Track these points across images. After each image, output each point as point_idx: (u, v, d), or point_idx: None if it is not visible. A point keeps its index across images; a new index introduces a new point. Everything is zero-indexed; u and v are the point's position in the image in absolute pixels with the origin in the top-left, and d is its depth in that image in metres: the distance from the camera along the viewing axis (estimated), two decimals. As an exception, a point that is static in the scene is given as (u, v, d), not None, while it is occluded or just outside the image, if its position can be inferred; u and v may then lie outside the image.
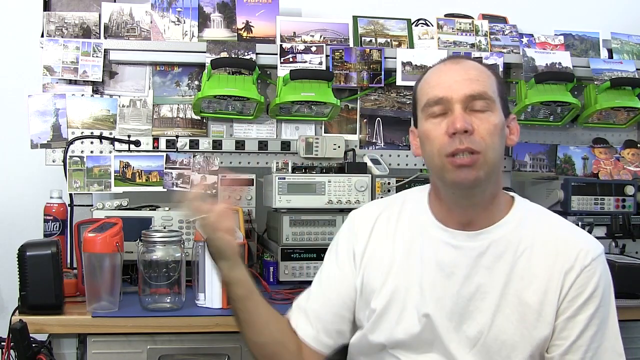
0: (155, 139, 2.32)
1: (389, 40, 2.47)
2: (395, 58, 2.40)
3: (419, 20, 2.54)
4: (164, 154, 2.31)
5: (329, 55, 2.37)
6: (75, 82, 2.28)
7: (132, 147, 2.30)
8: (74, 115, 2.28)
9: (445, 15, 2.55)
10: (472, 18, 2.57)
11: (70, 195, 2.24)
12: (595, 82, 2.46)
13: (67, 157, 2.24)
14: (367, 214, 1.43)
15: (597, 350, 1.23)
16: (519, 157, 2.57)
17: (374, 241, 1.38)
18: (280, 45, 2.35)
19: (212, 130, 2.40)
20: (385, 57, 2.40)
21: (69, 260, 2.16)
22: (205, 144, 2.35)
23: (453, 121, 1.22)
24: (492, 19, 2.59)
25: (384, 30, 2.48)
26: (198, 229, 1.29)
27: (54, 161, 2.27)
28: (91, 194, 2.29)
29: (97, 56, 2.25)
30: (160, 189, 2.29)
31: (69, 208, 2.18)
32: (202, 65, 2.30)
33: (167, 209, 2.15)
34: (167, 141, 2.33)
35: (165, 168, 2.30)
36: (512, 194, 1.37)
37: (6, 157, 2.45)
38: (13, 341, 1.62)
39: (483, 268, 1.26)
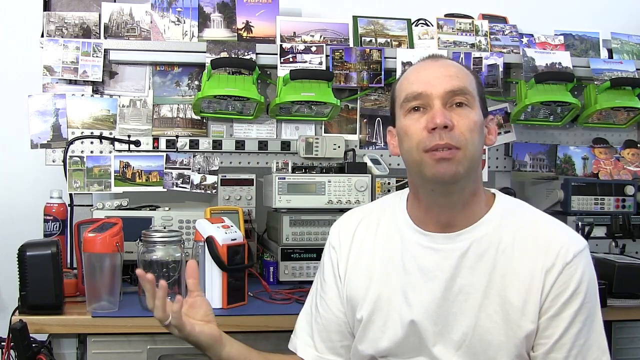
0: (155, 139, 2.32)
1: (389, 40, 2.47)
2: (395, 58, 2.40)
3: (419, 20, 2.54)
4: (164, 154, 2.31)
5: (329, 55, 2.37)
6: (75, 82, 2.28)
7: (132, 147, 2.30)
8: (74, 115, 2.28)
9: (445, 15, 2.55)
10: (472, 18, 2.57)
11: (70, 195, 2.24)
12: (595, 82, 2.47)
13: (67, 157, 2.24)
14: (346, 224, 1.42)
15: (582, 347, 1.21)
16: (519, 157, 2.57)
17: (355, 251, 1.37)
18: (280, 45, 2.35)
19: (212, 130, 2.40)
20: (385, 57, 2.40)
21: (69, 260, 2.16)
22: (205, 144, 2.35)
23: (433, 116, 1.20)
24: (492, 19, 2.59)
25: (384, 30, 2.48)
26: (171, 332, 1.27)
27: (54, 161, 2.27)
28: (91, 194, 2.29)
29: (97, 56, 2.25)
30: (160, 189, 2.30)
31: (69, 208, 2.18)
32: (202, 65, 2.30)
33: (167, 209, 2.15)
34: (167, 141, 2.33)
35: (165, 168, 2.30)
36: (493, 190, 1.35)
37: (6, 157, 2.45)
38: (13, 341, 1.62)
39: (465, 269, 1.25)
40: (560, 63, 2.48)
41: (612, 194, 2.40)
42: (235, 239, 1.83)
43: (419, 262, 1.28)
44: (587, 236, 2.27)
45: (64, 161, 2.25)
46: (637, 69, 2.53)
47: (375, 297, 1.31)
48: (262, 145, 2.39)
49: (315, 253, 2.12)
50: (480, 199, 1.29)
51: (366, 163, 2.33)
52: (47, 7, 2.30)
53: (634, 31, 2.68)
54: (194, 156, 2.33)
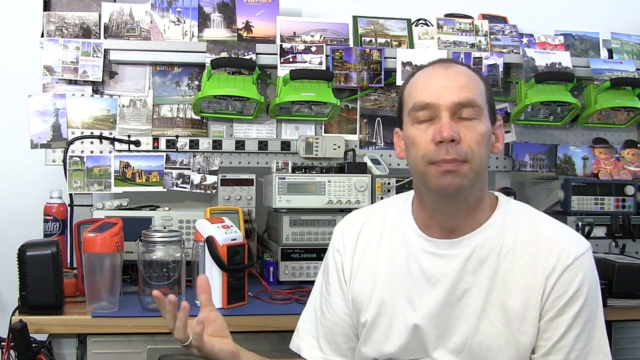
0: (155, 139, 2.32)
1: (389, 40, 2.47)
2: (395, 58, 2.40)
3: (419, 20, 2.54)
4: (164, 154, 2.31)
5: (329, 55, 2.37)
6: (75, 82, 2.28)
7: (132, 147, 2.30)
8: (74, 115, 2.28)
9: (445, 15, 2.55)
10: (472, 18, 2.57)
11: (70, 195, 2.24)
12: (595, 82, 2.46)
13: (67, 157, 2.24)
14: (350, 226, 1.41)
15: (582, 351, 1.20)
16: (519, 157, 2.57)
17: (359, 254, 1.36)
18: (280, 45, 2.35)
19: (212, 130, 2.40)
20: (385, 57, 2.40)
21: (69, 260, 2.16)
22: (205, 144, 2.35)
23: (440, 129, 1.19)
24: (492, 19, 2.59)
25: (384, 30, 2.48)
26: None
27: (54, 161, 2.27)
28: (91, 194, 2.29)
29: (97, 56, 2.25)
30: (160, 189, 2.29)
31: (69, 208, 2.18)
32: (202, 65, 2.30)
33: (167, 209, 2.15)
34: (167, 141, 2.33)
35: (165, 168, 2.30)
36: (496, 193, 1.34)
37: (6, 157, 2.45)
38: (13, 341, 1.62)
39: (468, 274, 1.25)
40: (560, 63, 2.48)
41: (612, 194, 2.40)
42: (235, 239, 1.83)
43: (423, 267, 1.28)
44: (587, 236, 2.27)
45: (64, 161, 2.25)
46: (637, 69, 2.53)
47: (379, 301, 1.31)
48: (262, 145, 2.39)
49: (315, 253, 2.12)
50: (484, 205, 1.29)
51: (366, 163, 2.33)
52: (47, 7, 2.30)
53: (634, 31, 2.68)
54: (194, 156, 2.33)
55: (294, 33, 2.41)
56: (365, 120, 2.51)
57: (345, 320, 1.37)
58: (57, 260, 1.72)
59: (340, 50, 2.38)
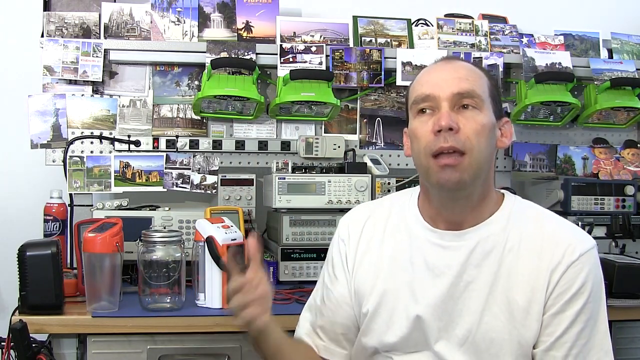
0: (155, 139, 2.32)
1: (389, 40, 2.47)
2: (395, 58, 2.40)
3: (419, 20, 2.54)
4: (164, 154, 2.31)
5: (329, 55, 2.37)
6: (75, 82, 2.28)
7: (132, 147, 2.30)
8: (74, 115, 2.28)
9: (445, 15, 2.55)
10: (472, 18, 2.57)
11: (70, 195, 2.24)
12: (595, 82, 2.46)
13: (67, 157, 2.24)
14: (355, 218, 1.43)
15: (584, 347, 1.21)
16: (519, 157, 2.57)
17: (363, 245, 1.38)
18: (280, 45, 2.35)
19: (212, 130, 2.40)
20: (385, 57, 2.40)
21: (69, 260, 2.16)
22: (205, 144, 2.35)
23: (439, 118, 1.21)
24: (492, 19, 2.59)
25: (384, 30, 2.48)
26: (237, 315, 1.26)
27: (54, 161, 2.27)
28: (91, 194, 2.29)
29: (97, 56, 2.25)
30: (160, 189, 2.29)
31: (69, 208, 2.18)
32: (202, 65, 2.30)
33: (167, 209, 2.15)
34: (167, 141, 2.33)
35: (165, 168, 2.30)
36: (503, 191, 1.36)
37: (6, 157, 2.45)
38: (13, 341, 1.62)
39: (471, 266, 1.26)
40: (560, 63, 2.48)
41: (612, 194, 2.40)
42: (235, 239, 1.83)
43: (427, 259, 1.29)
44: (587, 236, 2.27)
45: (64, 161, 2.25)
46: (637, 69, 2.53)
47: (381, 291, 1.32)
48: (262, 145, 2.39)
49: (315, 253, 2.12)
50: (490, 201, 1.30)
51: (366, 163, 2.33)
52: (47, 7, 2.30)
53: (634, 31, 2.68)
54: (194, 156, 2.33)
55: (294, 33, 2.41)
56: (365, 120, 2.51)
57: (347, 310, 1.37)
58: (57, 260, 1.72)
59: (340, 50, 2.38)
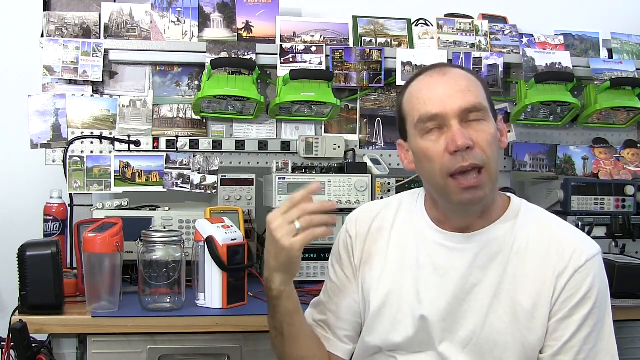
0: (155, 139, 2.32)
1: (389, 40, 2.47)
2: (395, 58, 2.40)
3: (419, 20, 2.54)
4: (164, 154, 2.31)
5: (329, 55, 2.37)
6: (75, 82, 2.28)
7: (132, 147, 2.30)
8: (74, 115, 2.28)
9: (445, 15, 2.55)
10: (472, 18, 2.57)
11: (70, 195, 2.24)
12: (595, 82, 2.46)
13: (67, 157, 2.24)
14: (363, 216, 1.43)
15: (591, 352, 1.21)
16: (519, 157, 2.57)
17: (370, 243, 1.38)
18: (280, 45, 2.35)
19: (212, 130, 2.40)
20: (385, 57, 2.40)
21: (69, 260, 2.16)
22: (205, 144, 2.35)
23: (453, 138, 1.19)
24: (492, 19, 2.59)
25: (384, 30, 2.48)
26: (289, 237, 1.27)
27: (54, 161, 2.27)
28: (91, 194, 2.29)
29: (97, 56, 2.25)
30: (160, 189, 2.29)
31: (69, 208, 2.18)
32: (202, 65, 2.30)
33: (167, 209, 2.15)
34: (167, 141, 2.33)
35: (165, 168, 2.30)
36: (509, 194, 1.36)
37: (6, 157, 2.45)
38: (13, 341, 1.62)
39: (477, 269, 1.26)
40: (560, 63, 2.48)
41: (612, 194, 2.40)
42: (235, 239, 1.83)
43: (433, 259, 1.29)
44: (587, 236, 2.27)
45: (64, 161, 2.25)
46: (637, 69, 2.53)
47: (386, 290, 1.32)
48: (262, 145, 2.39)
49: (315, 253, 2.12)
50: (497, 204, 1.31)
51: (366, 163, 2.33)
52: (47, 7, 2.30)
53: (634, 31, 2.68)
54: (194, 156, 2.33)
55: (294, 33, 2.41)
56: (365, 120, 2.51)
57: (352, 306, 1.38)
58: (57, 260, 1.72)
59: (340, 50, 2.38)
